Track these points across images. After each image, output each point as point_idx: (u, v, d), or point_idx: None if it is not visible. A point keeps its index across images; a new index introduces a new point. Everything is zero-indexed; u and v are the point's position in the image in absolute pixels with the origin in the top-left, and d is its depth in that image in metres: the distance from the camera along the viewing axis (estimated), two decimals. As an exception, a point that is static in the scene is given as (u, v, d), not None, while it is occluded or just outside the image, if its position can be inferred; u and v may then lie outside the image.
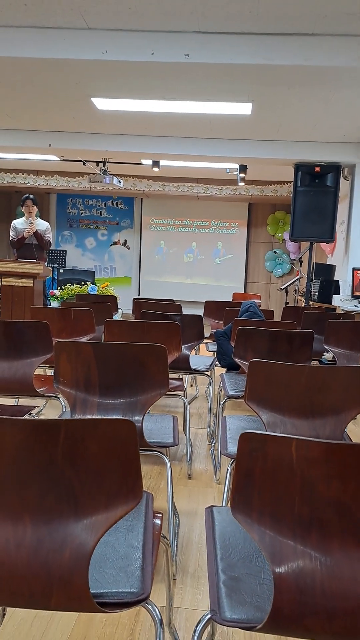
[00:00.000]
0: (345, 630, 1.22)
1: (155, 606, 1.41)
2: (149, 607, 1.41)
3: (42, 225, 7.82)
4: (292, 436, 1.25)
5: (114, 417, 2.36)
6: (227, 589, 1.41)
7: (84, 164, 9.20)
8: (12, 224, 7.87)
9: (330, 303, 7.24)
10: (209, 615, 1.34)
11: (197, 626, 1.36)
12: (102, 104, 5.99)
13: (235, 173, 8.77)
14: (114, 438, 1.32)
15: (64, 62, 4.58)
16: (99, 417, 2.42)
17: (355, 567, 1.24)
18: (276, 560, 1.26)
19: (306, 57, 4.24)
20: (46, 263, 8.19)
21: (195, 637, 1.36)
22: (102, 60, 4.45)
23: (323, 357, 5.04)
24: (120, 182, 9.28)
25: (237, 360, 3.58)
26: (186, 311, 4.81)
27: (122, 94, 5.59)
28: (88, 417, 2.46)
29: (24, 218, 7.74)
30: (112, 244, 12.91)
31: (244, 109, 5.80)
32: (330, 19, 3.99)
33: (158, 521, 1.77)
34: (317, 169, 7.21)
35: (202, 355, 5.71)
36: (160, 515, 1.80)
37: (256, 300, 8.13)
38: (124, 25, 4.30)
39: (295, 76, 4.55)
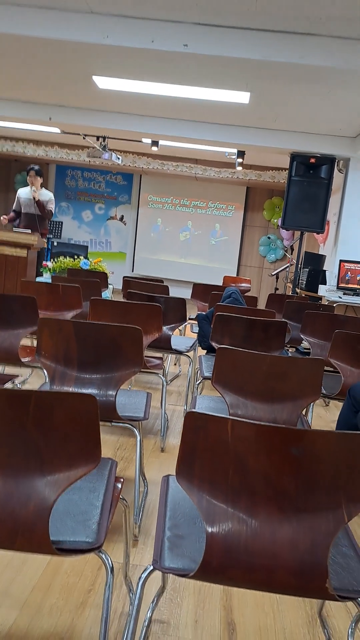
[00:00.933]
0: (261, 581, 1.45)
1: (108, 555, 1.63)
2: (102, 555, 1.63)
3: (45, 195, 8.07)
4: (228, 417, 1.46)
5: (88, 391, 2.58)
6: (170, 543, 1.63)
7: (84, 137, 9.30)
8: (17, 193, 8.16)
9: (317, 292, 7.45)
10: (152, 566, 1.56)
11: (142, 574, 1.58)
12: (103, 82, 6.12)
13: (234, 157, 8.91)
14: (78, 410, 1.54)
15: (66, 43, 4.72)
16: (75, 390, 2.65)
17: (274, 529, 1.47)
18: (210, 520, 1.49)
19: (302, 56, 4.39)
20: (48, 235, 8.45)
21: (140, 583, 1.58)
22: (103, 45, 4.60)
23: (301, 345, 5.25)
24: (119, 158, 9.39)
25: (213, 344, 3.79)
26: (178, 291, 5.01)
27: (123, 75, 5.72)
28: (65, 388, 2.68)
29: (28, 187, 7.99)
30: (109, 219, 13.03)
31: (242, 97, 5.94)
32: (326, 21, 4.15)
33: (119, 485, 1.98)
34: (312, 160, 7.37)
35: (187, 336, 5.92)
36: (122, 480, 2.01)
37: (246, 285, 8.36)
38: (127, 11, 4.44)
39: (291, 73, 4.70)
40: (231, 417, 1.46)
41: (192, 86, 5.79)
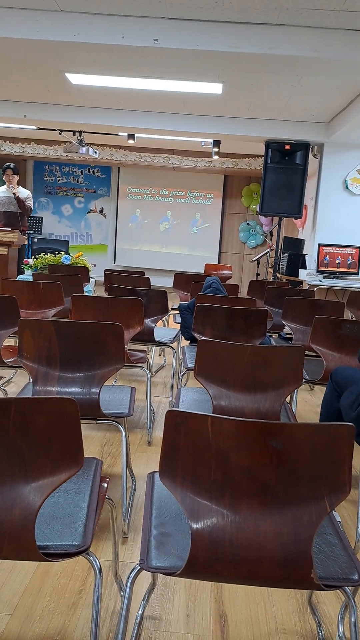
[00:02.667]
0: (247, 574, 1.46)
1: (96, 557, 1.64)
2: (90, 557, 1.63)
3: (23, 192, 8.09)
4: (207, 414, 1.47)
5: (71, 389, 2.58)
6: (156, 542, 1.64)
7: (60, 133, 9.25)
8: None
9: (298, 277, 7.48)
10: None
11: (130, 573, 1.59)
12: (76, 79, 6.09)
13: (210, 147, 8.90)
14: (58, 414, 1.54)
15: (37, 42, 4.68)
16: (58, 389, 2.65)
17: (258, 522, 1.48)
18: (194, 517, 1.50)
19: (271, 46, 4.40)
20: (27, 230, 8.45)
21: (129, 583, 1.59)
22: (74, 42, 4.56)
23: (283, 331, 5.27)
24: (96, 152, 9.35)
25: (195, 335, 3.80)
26: (160, 280, 5.01)
27: (96, 71, 5.70)
28: (48, 388, 2.68)
29: (5, 186, 7.97)
30: (88, 212, 13.00)
31: (215, 88, 5.94)
32: (293, 11, 4.15)
33: (105, 484, 1.99)
34: (287, 147, 7.39)
35: (170, 327, 5.93)
36: (107, 479, 2.02)
37: (227, 272, 8.37)
38: (96, 8, 4.41)
39: (262, 63, 4.69)
40: (211, 414, 1.47)
41: (165, 79, 5.78)
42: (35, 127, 9.49)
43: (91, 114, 7.66)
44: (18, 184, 8.19)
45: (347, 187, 7.58)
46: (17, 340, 4.95)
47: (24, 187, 12.56)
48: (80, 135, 9.10)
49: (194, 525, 1.48)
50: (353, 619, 1.54)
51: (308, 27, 4.36)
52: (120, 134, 9.09)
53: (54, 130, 9.18)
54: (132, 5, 4.30)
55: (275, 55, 4.45)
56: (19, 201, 7.96)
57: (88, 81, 6.12)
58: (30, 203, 8.20)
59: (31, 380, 2.76)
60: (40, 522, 1.70)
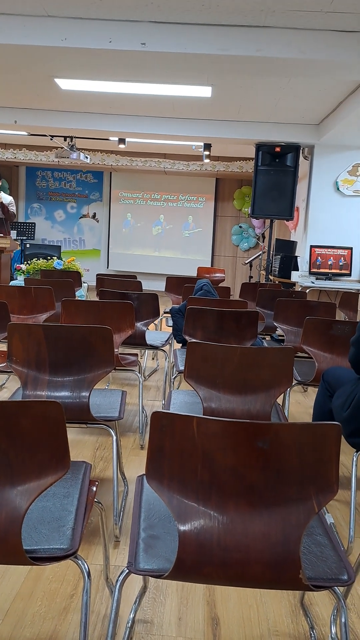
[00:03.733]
0: (236, 576, 1.46)
1: (84, 560, 1.63)
2: (78, 561, 1.62)
3: (5, 198, 8.09)
4: (192, 415, 1.46)
5: (61, 394, 2.57)
6: (144, 545, 1.63)
7: (51, 139, 9.26)
8: None
9: (290, 279, 7.49)
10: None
11: (119, 577, 1.58)
12: (65, 84, 6.09)
13: (201, 150, 8.92)
14: (43, 417, 1.53)
15: (25, 48, 4.67)
16: (47, 393, 2.64)
17: (245, 523, 1.47)
18: (182, 519, 1.49)
19: (258, 48, 4.40)
20: (12, 235, 8.44)
21: (117, 586, 1.58)
22: (62, 47, 4.57)
23: (275, 333, 5.27)
24: (87, 157, 9.35)
25: (186, 337, 3.80)
26: (153, 284, 5.01)
27: (84, 76, 5.71)
28: (38, 393, 2.67)
29: None
30: (81, 217, 13.00)
31: (204, 91, 5.95)
32: (280, 13, 4.16)
33: (94, 488, 1.98)
34: (278, 149, 7.40)
35: (163, 330, 5.92)
36: (96, 482, 2.01)
37: (220, 275, 8.38)
38: (83, 13, 4.41)
39: (250, 65, 4.69)
40: (196, 415, 1.46)
41: (154, 83, 5.79)
42: (26, 133, 9.50)
43: (81, 119, 7.67)
44: (10, 190, 8.22)
45: (338, 189, 7.59)
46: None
47: (17, 193, 12.60)
48: (71, 141, 9.11)
49: (182, 527, 1.48)
50: (343, 620, 1.54)
51: (295, 28, 4.37)
52: (111, 138, 9.10)
53: (45, 135, 9.19)
54: (119, 10, 4.31)
55: (263, 57, 4.45)
56: (3, 207, 7.98)
57: (77, 86, 6.13)
58: (13, 208, 8.25)
59: (21, 385, 2.75)
60: (29, 526, 1.69)
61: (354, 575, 1.55)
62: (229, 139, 7.61)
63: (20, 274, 7.81)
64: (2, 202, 7.98)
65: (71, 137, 9.05)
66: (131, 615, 2.05)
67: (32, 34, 4.53)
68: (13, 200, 8.36)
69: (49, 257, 8.02)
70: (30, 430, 1.53)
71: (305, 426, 1.45)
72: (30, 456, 1.54)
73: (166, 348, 4.62)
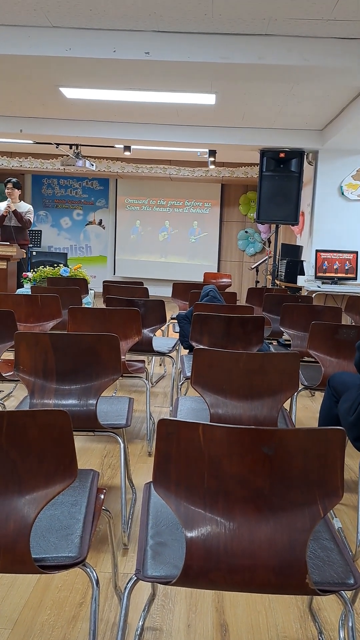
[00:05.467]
0: (243, 582, 1.46)
1: (93, 568, 1.64)
2: (87, 569, 1.63)
3: (23, 207, 8.21)
4: (198, 422, 1.47)
5: (68, 402, 2.59)
6: (152, 552, 1.64)
7: (57, 147, 9.30)
8: None
9: (296, 283, 7.50)
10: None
11: (127, 584, 1.59)
12: (70, 93, 6.13)
13: (206, 157, 8.94)
14: (50, 426, 1.54)
15: (30, 58, 4.72)
16: (55, 401, 2.65)
17: (252, 529, 1.48)
18: (189, 526, 1.50)
19: (260, 56, 4.43)
20: (29, 245, 8.55)
21: (126, 593, 1.59)
22: (66, 57, 4.61)
23: (282, 338, 5.27)
24: (92, 165, 9.39)
25: (193, 343, 3.81)
26: (160, 290, 5.02)
27: (89, 85, 5.75)
28: (45, 401, 2.69)
29: (5, 202, 8.11)
30: (87, 224, 13.05)
31: (208, 99, 5.98)
32: (281, 21, 4.18)
33: (102, 496, 1.99)
34: (282, 155, 7.42)
35: (170, 336, 5.93)
36: (104, 490, 2.02)
37: (226, 280, 8.38)
38: (86, 24, 4.46)
39: (253, 73, 4.72)
40: (202, 422, 1.47)
41: (158, 91, 5.83)
42: (32, 142, 9.55)
43: (87, 127, 7.72)
44: (20, 198, 8.29)
45: (342, 193, 7.60)
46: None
47: (24, 201, 12.66)
48: (77, 149, 9.14)
49: (189, 534, 1.49)
50: (350, 624, 1.54)
51: (297, 36, 4.40)
52: (116, 146, 9.14)
53: (51, 144, 9.23)
54: (122, 20, 4.34)
55: (265, 64, 4.48)
56: (17, 215, 8.05)
57: (82, 95, 6.17)
58: (30, 216, 8.31)
59: (28, 393, 2.76)
60: (37, 534, 1.70)
61: (361, 580, 1.56)
62: (234, 145, 7.64)
63: (27, 282, 7.85)
64: (15, 210, 8.06)
65: (77, 145, 9.08)
66: (140, 623, 2.05)
67: (37, 44, 4.58)
68: (31, 208, 8.45)
69: (55, 265, 8.05)
70: (37, 439, 1.55)
71: (309, 431, 1.46)
72: (37, 465, 1.56)
73: (173, 354, 4.63)
